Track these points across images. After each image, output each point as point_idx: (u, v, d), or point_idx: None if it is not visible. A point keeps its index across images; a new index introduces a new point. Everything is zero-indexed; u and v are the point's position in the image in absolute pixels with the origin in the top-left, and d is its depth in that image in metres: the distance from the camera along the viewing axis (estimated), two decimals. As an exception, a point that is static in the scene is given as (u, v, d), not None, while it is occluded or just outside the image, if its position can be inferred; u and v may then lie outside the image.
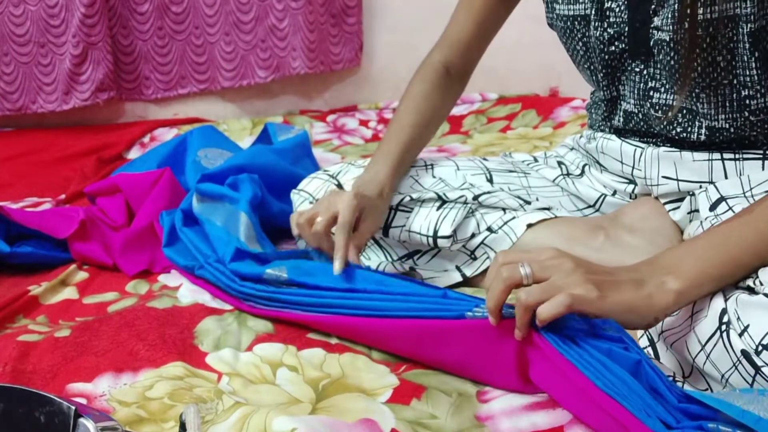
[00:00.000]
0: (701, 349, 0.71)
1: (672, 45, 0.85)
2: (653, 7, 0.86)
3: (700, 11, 0.80)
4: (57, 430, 0.62)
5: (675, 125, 0.91)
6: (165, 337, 0.89)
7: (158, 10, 1.86)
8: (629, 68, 0.93)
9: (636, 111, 0.95)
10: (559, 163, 1.10)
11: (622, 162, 0.99)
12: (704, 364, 0.71)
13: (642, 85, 0.92)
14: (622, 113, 0.98)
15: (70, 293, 1.05)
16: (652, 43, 0.88)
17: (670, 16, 0.84)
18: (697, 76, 0.84)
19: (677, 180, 0.94)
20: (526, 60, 2.01)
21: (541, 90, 1.98)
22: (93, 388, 0.80)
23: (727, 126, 0.88)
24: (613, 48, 0.92)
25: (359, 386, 0.79)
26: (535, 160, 1.13)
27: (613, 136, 1.00)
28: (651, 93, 0.92)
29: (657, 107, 0.92)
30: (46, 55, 1.83)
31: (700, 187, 0.92)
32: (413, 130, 1.05)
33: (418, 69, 1.13)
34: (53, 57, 1.83)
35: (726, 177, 0.91)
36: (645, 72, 0.91)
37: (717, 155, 0.91)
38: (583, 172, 1.07)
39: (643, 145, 0.97)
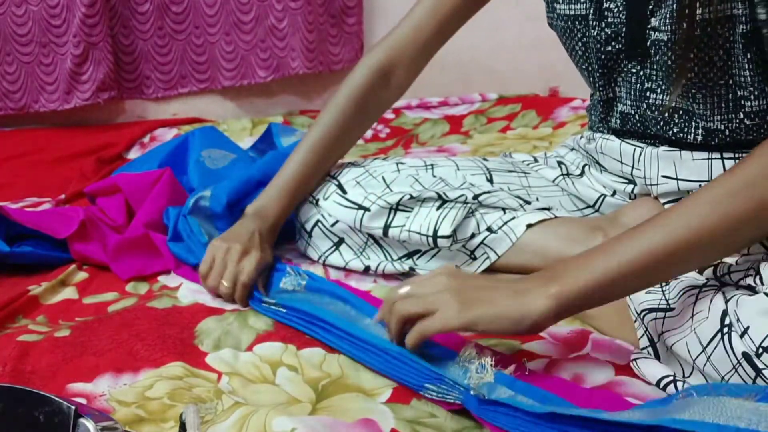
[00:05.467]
0: (702, 351, 0.71)
1: (669, 45, 0.85)
2: (651, 7, 0.86)
3: (699, 11, 0.80)
4: (57, 430, 0.62)
5: (672, 125, 0.91)
6: (165, 337, 0.89)
7: (159, 9, 1.86)
8: (625, 69, 0.93)
9: (632, 112, 0.95)
10: (559, 163, 1.10)
11: (621, 162, 0.99)
12: (704, 365, 0.71)
13: (638, 86, 0.92)
14: (618, 115, 0.97)
15: (69, 293, 1.05)
16: (649, 43, 0.88)
17: (668, 15, 0.84)
18: (694, 76, 0.84)
19: (677, 179, 0.94)
20: (526, 60, 2.01)
21: (541, 90, 1.98)
22: (93, 388, 0.80)
23: (722, 128, 0.88)
24: (610, 48, 0.92)
25: (359, 386, 0.79)
26: (535, 160, 1.13)
27: (612, 137, 1.00)
28: (648, 94, 0.92)
29: (654, 108, 0.92)
30: (48, 54, 1.83)
31: (700, 186, 0.92)
32: (320, 151, 1.04)
33: (355, 70, 1.07)
34: (55, 57, 1.83)
35: None
36: (641, 73, 0.91)
37: (717, 154, 0.91)
38: (582, 173, 1.08)
39: (642, 144, 0.97)
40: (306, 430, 0.69)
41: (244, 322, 0.93)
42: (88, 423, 0.62)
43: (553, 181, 1.09)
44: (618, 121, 0.98)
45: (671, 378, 0.74)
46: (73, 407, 0.62)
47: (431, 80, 2.05)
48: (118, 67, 1.87)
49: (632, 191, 1.01)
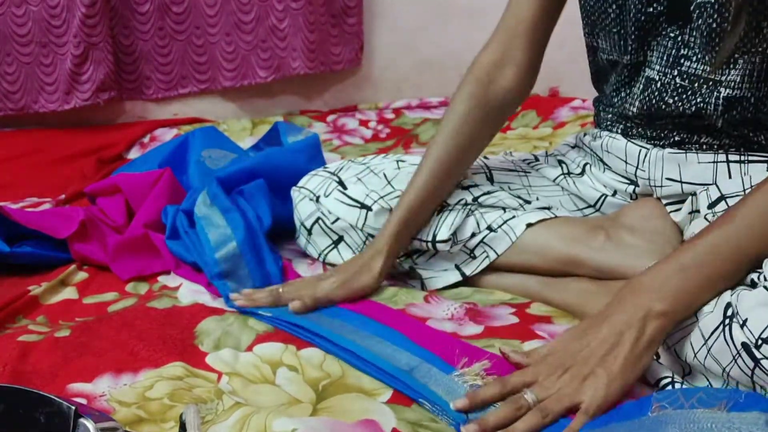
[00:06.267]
0: (704, 344, 0.71)
1: (716, 8, 0.83)
2: None
3: None
4: (57, 430, 0.62)
5: (696, 95, 0.89)
6: (165, 337, 0.88)
7: (159, 10, 1.86)
8: (663, 33, 0.90)
9: (657, 79, 0.92)
10: (560, 162, 1.10)
11: (626, 162, 0.99)
12: (705, 358, 0.71)
13: (674, 51, 0.90)
14: (643, 80, 0.94)
15: (70, 293, 1.05)
16: (693, 6, 0.86)
17: None
18: (739, 41, 0.83)
19: (681, 182, 0.93)
20: (527, 60, 2.01)
21: (541, 90, 1.98)
22: (93, 388, 0.79)
23: (749, 96, 0.86)
24: (651, 10, 0.89)
25: (359, 386, 0.79)
26: (536, 159, 1.13)
27: (619, 136, 1.00)
28: (681, 60, 0.89)
29: (685, 76, 0.89)
30: (48, 55, 1.83)
31: (705, 187, 0.91)
32: (433, 179, 0.98)
33: (463, 76, 1.02)
34: (54, 57, 1.83)
35: (730, 177, 0.91)
36: (679, 38, 0.89)
37: (722, 157, 0.91)
38: (583, 171, 1.07)
39: (648, 146, 0.96)
40: (306, 431, 0.69)
41: (244, 323, 0.92)
42: (88, 423, 0.61)
43: (554, 180, 1.09)
44: (641, 86, 0.94)
45: (670, 379, 0.75)
46: (73, 407, 0.62)
47: (431, 80, 2.05)
48: (118, 68, 1.87)
49: (633, 191, 1.01)
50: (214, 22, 1.89)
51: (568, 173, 1.08)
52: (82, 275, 1.10)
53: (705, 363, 0.71)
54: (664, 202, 0.96)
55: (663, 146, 0.95)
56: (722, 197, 0.87)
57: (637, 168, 0.98)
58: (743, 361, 0.67)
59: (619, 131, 1.00)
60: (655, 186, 0.96)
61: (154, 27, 1.87)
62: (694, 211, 0.92)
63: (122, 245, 1.11)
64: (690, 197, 0.93)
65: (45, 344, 0.88)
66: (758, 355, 0.66)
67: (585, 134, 1.08)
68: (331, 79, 2.02)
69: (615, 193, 1.04)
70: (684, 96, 0.90)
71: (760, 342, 0.66)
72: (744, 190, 0.86)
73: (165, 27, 1.88)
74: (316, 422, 0.72)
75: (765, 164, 0.90)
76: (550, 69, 1.97)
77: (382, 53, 2.02)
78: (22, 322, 0.96)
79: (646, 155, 0.96)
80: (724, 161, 0.91)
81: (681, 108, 0.91)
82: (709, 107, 0.89)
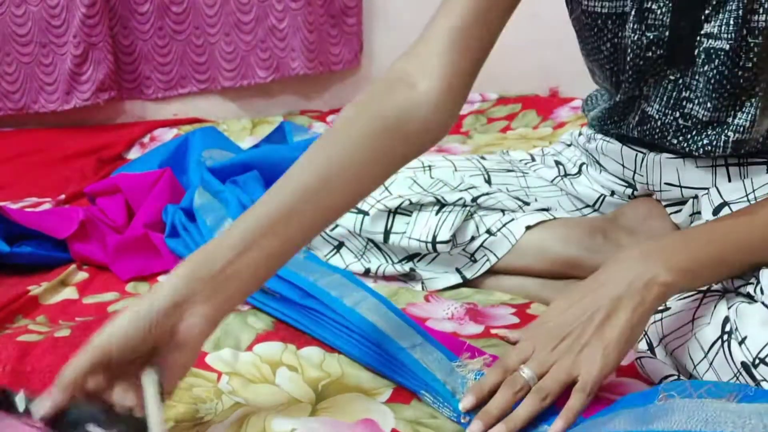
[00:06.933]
0: (704, 357, 0.71)
1: (730, 55, 0.80)
2: (706, 12, 0.81)
3: (763, 18, 0.77)
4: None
5: (702, 137, 0.87)
6: (165, 337, 0.88)
7: (159, 10, 1.86)
8: (662, 74, 0.87)
9: (657, 118, 0.90)
10: (557, 163, 1.10)
11: (623, 165, 0.99)
12: (706, 372, 0.71)
13: (674, 93, 0.87)
14: (640, 113, 0.92)
15: (69, 293, 1.05)
16: (697, 51, 0.83)
17: (731, 22, 0.79)
18: (747, 84, 0.82)
19: (680, 186, 0.93)
20: (526, 60, 2.01)
21: (541, 90, 1.98)
22: (93, 388, 0.79)
23: (758, 136, 0.86)
24: (650, 54, 0.86)
25: (359, 386, 0.79)
26: (533, 159, 1.13)
27: (614, 140, 0.99)
28: (684, 103, 0.87)
29: (688, 118, 0.87)
30: (48, 55, 1.83)
31: (707, 190, 0.91)
32: (294, 196, 0.71)
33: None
34: (54, 57, 1.83)
35: (729, 181, 0.90)
36: (680, 81, 0.86)
37: (721, 161, 0.90)
38: (580, 171, 1.07)
39: (644, 150, 0.95)
40: (306, 431, 0.69)
41: (244, 322, 0.92)
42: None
43: (551, 181, 1.08)
44: (636, 119, 0.92)
45: (675, 378, 0.74)
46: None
47: (431, 80, 2.04)
48: (118, 68, 1.87)
49: (632, 194, 1.00)
50: (214, 22, 1.89)
51: (566, 174, 1.08)
52: (82, 275, 1.10)
53: (705, 377, 0.71)
54: (664, 203, 0.96)
55: (660, 151, 0.94)
56: (725, 203, 0.86)
57: (634, 172, 0.97)
58: (744, 380, 0.67)
59: (614, 136, 0.99)
60: (654, 190, 0.96)
61: (154, 27, 1.87)
62: (695, 213, 0.92)
63: (122, 245, 1.11)
64: (691, 200, 0.92)
65: (45, 344, 0.88)
66: (758, 376, 0.66)
67: (579, 134, 1.08)
68: (330, 80, 2.02)
69: (613, 193, 1.04)
70: (689, 137, 0.89)
71: (757, 362, 0.66)
72: (746, 194, 0.86)
73: (164, 27, 1.88)
74: (316, 422, 0.72)
75: (763, 165, 0.90)
76: (549, 69, 1.99)
77: (381, 53, 2.03)
78: (22, 322, 0.96)
79: (643, 159, 0.95)
80: (722, 164, 0.90)
81: (687, 149, 0.89)
82: (717, 149, 0.87)
